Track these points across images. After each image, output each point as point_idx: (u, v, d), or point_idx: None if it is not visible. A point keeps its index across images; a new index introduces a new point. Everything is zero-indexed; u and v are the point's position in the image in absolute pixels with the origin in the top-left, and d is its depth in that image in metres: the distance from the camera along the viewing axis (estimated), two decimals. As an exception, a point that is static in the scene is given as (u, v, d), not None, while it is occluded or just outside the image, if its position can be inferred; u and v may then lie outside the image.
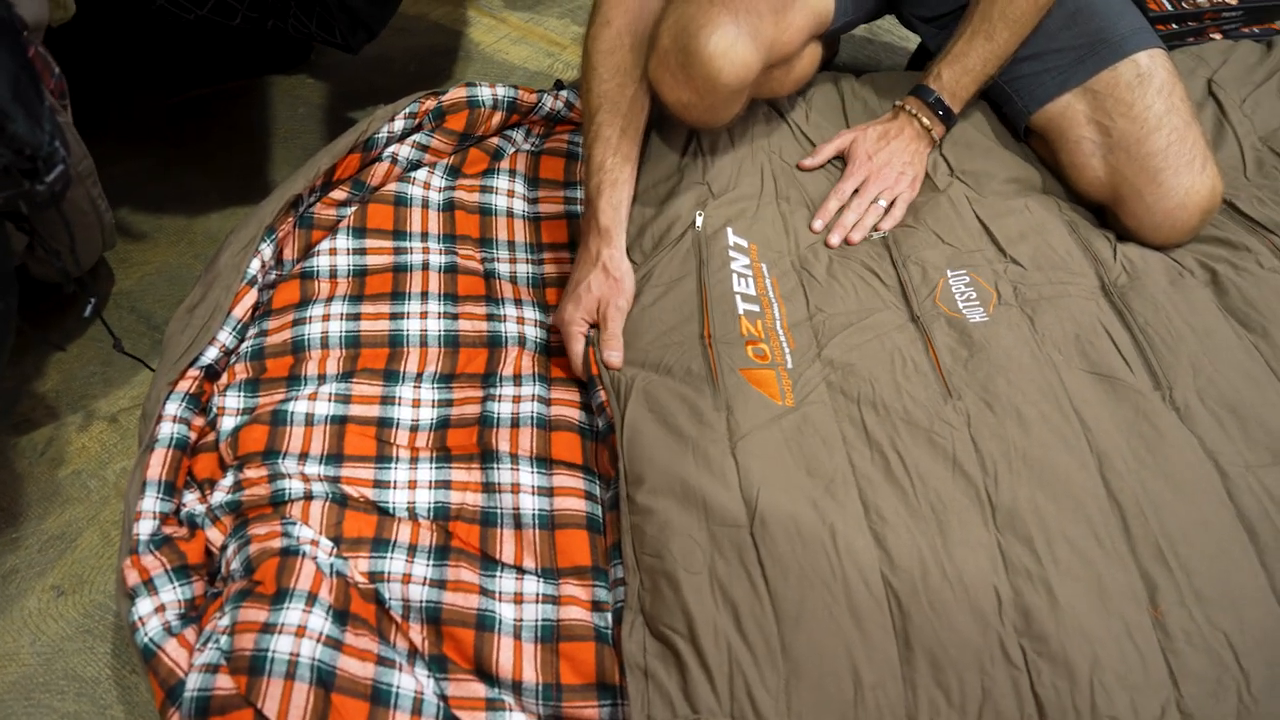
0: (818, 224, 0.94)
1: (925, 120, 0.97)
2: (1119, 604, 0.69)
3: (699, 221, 0.90)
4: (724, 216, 0.91)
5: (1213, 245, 0.94)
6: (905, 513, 0.72)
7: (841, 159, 1.00)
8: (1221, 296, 0.89)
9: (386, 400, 0.80)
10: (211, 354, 0.80)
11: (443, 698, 0.65)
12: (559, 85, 1.07)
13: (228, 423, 0.78)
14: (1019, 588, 0.70)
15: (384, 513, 0.74)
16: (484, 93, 0.98)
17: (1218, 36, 1.41)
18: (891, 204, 0.94)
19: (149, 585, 0.67)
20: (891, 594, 0.69)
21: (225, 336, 0.81)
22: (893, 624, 0.68)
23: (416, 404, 0.81)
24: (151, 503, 0.71)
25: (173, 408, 0.76)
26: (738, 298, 0.85)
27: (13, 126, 0.60)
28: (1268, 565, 0.72)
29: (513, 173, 1.00)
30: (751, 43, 0.82)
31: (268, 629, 0.63)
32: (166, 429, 0.75)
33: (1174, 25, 1.42)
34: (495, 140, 1.02)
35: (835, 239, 0.92)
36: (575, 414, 0.81)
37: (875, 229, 0.94)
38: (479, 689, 0.66)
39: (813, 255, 0.91)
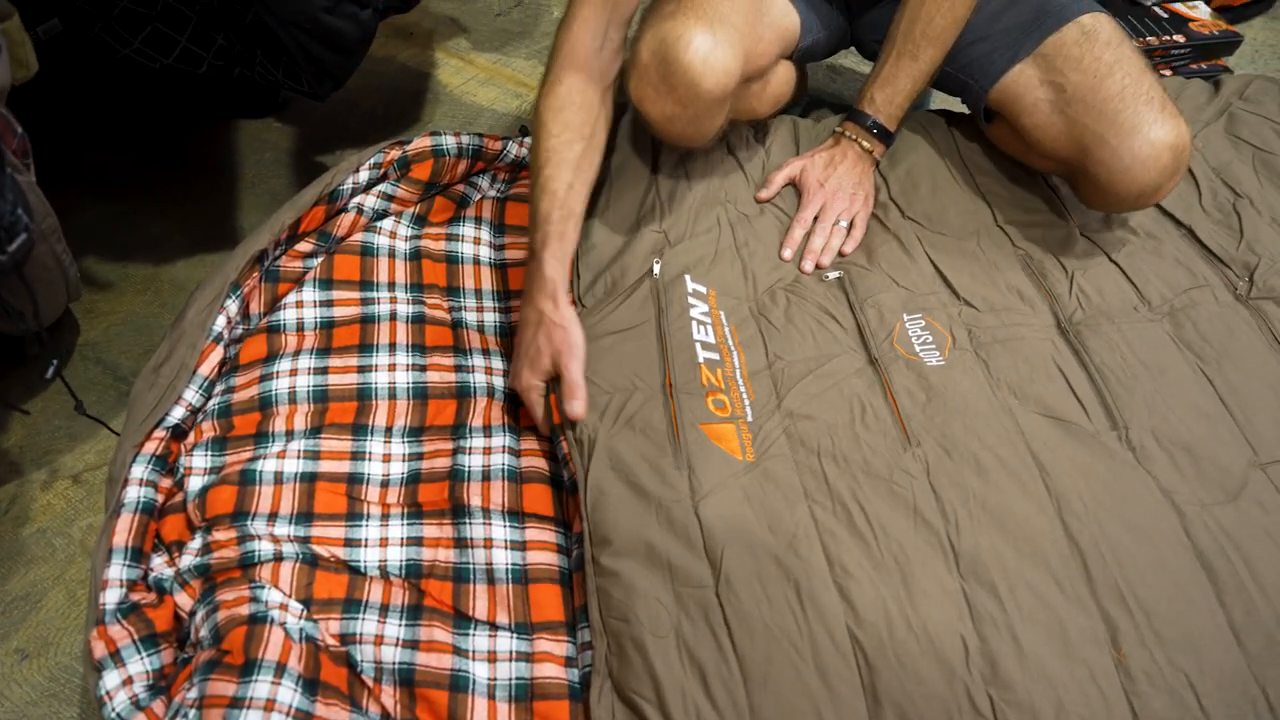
0: (787, 252, 0.97)
1: (865, 144, 1.01)
2: (1081, 648, 0.71)
3: (657, 269, 0.91)
4: (681, 264, 0.92)
5: (1173, 270, 0.97)
6: (869, 565, 0.73)
7: (794, 187, 1.05)
8: (1178, 329, 0.92)
9: (356, 455, 0.80)
10: (178, 413, 0.79)
11: (414, 766, 0.65)
12: (524, 131, 1.08)
13: (195, 483, 0.77)
14: (985, 635, 0.71)
15: (355, 572, 0.73)
16: (449, 141, 0.99)
17: (1168, 73, 1.45)
18: (851, 224, 0.99)
19: (115, 657, 0.66)
20: (858, 649, 0.69)
21: (191, 395, 0.81)
22: (860, 680, 0.68)
23: (387, 458, 0.81)
24: (118, 570, 0.70)
25: (139, 470, 0.75)
26: (698, 345, 0.86)
27: (-25, 199, 0.60)
28: (1225, 603, 0.74)
29: (479, 220, 1.01)
30: (730, 50, 0.83)
31: (236, 703, 0.62)
32: (133, 493, 0.74)
33: (1125, 63, 1.46)
34: (461, 187, 1.02)
35: (808, 265, 0.96)
36: (545, 464, 0.81)
37: (836, 264, 0.97)
38: (452, 754, 0.66)
39: (770, 300, 0.93)
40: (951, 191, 1.04)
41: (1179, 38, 1.47)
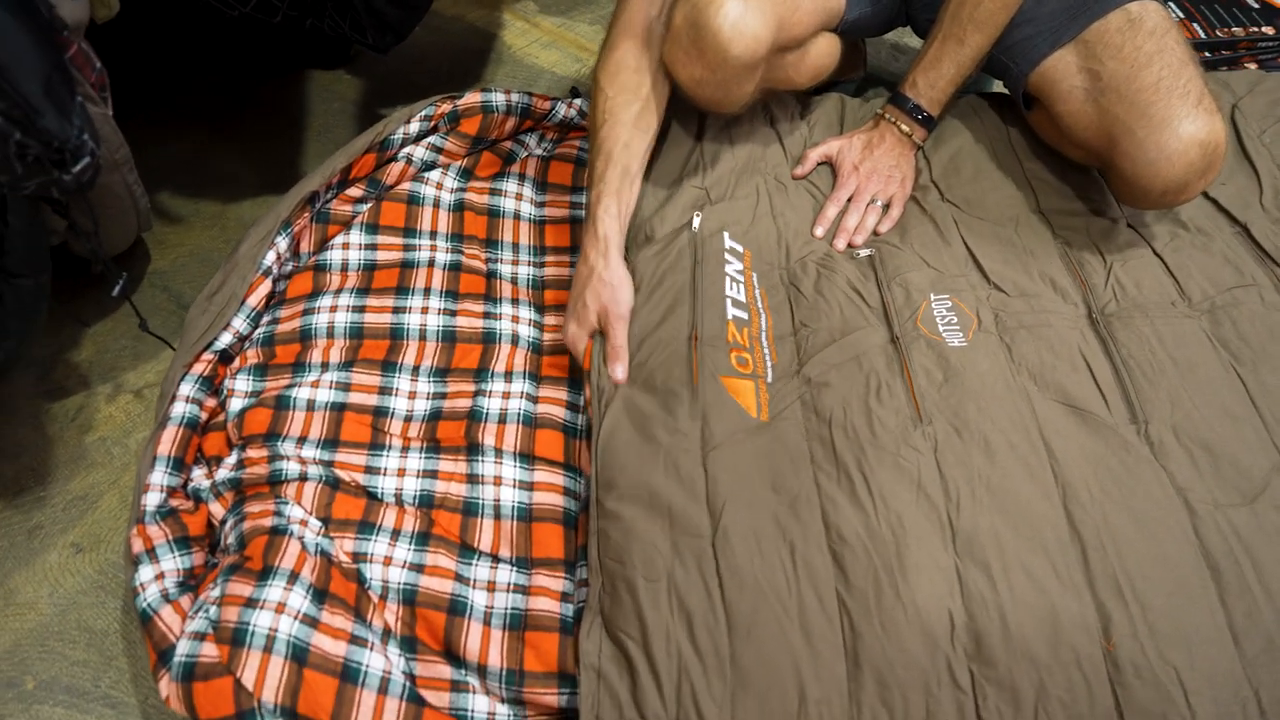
0: (819, 230, 0.97)
1: (904, 127, 1.01)
2: (1071, 634, 0.71)
3: (696, 223, 0.93)
4: (720, 221, 0.94)
5: (1217, 266, 0.94)
6: (865, 534, 0.74)
7: (830, 167, 1.04)
8: (1216, 327, 0.89)
9: (384, 390, 0.85)
10: (226, 339, 0.85)
11: (410, 677, 0.69)
12: (574, 93, 1.10)
13: (236, 404, 0.83)
14: (973, 612, 0.72)
15: (372, 497, 0.78)
16: (498, 98, 1.02)
17: (1253, 66, 1.39)
18: (888, 204, 0.99)
19: (151, 554, 0.72)
20: (845, 613, 0.71)
21: (239, 323, 0.86)
22: (843, 642, 0.70)
23: (412, 395, 0.85)
24: (160, 476, 0.76)
25: (187, 388, 0.81)
26: (728, 301, 0.87)
27: (42, 121, 0.65)
28: (1227, 603, 0.73)
29: (522, 177, 1.04)
30: (760, 17, 0.84)
31: (251, 603, 0.67)
32: (179, 408, 0.80)
33: (1207, 54, 1.40)
34: (508, 144, 1.05)
35: (840, 243, 0.96)
36: (561, 413, 0.84)
37: (867, 242, 0.97)
38: (445, 670, 0.70)
39: (801, 270, 0.93)
40: (994, 176, 1.03)
41: (1268, 29, 1.40)
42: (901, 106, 1.01)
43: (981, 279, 0.93)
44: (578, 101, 1.08)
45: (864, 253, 0.96)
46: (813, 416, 0.82)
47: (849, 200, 0.99)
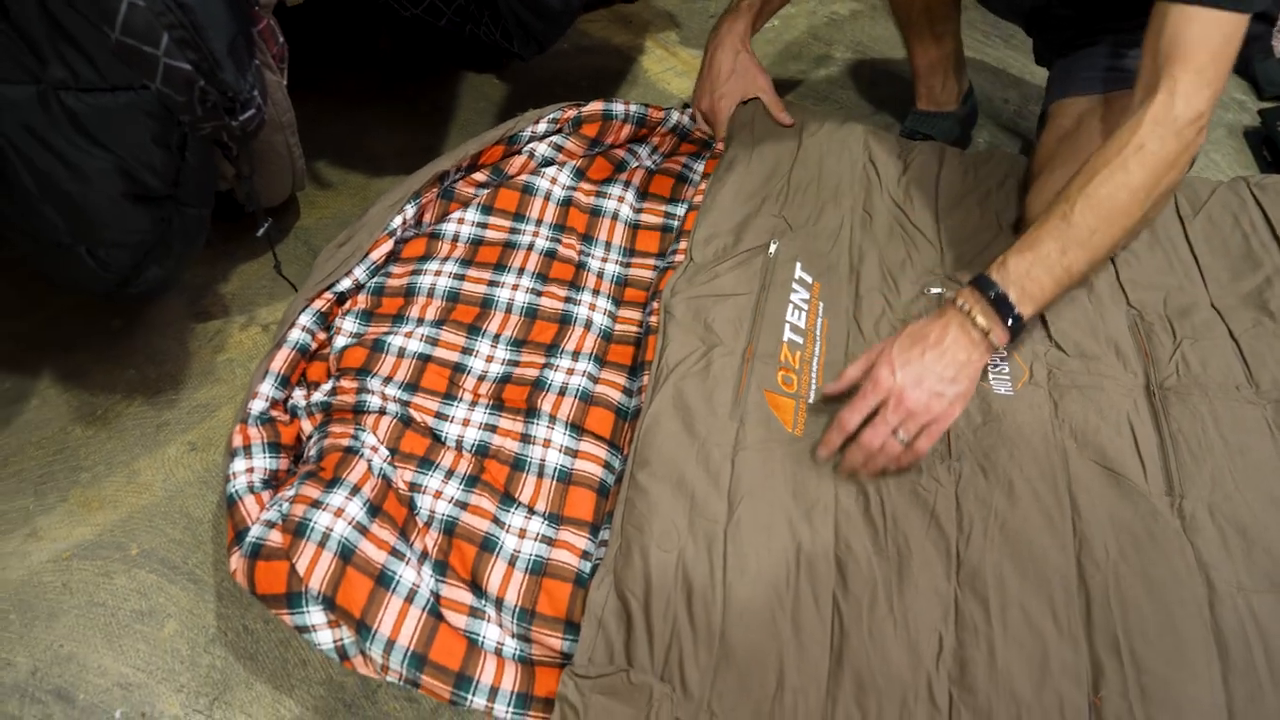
0: (822, 453, 0.81)
1: (981, 320, 0.79)
2: (1058, 680, 0.72)
3: (773, 249, 0.99)
4: (796, 250, 1.00)
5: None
6: (871, 548, 0.78)
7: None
8: (1279, 417, 0.88)
9: (466, 350, 0.95)
10: (346, 284, 0.97)
11: (436, 596, 0.78)
12: (685, 105, 1.19)
13: (340, 341, 0.95)
14: (963, 640, 0.74)
15: (437, 439, 0.88)
16: (618, 107, 1.12)
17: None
18: (918, 435, 0.78)
19: (247, 450, 0.84)
20: (837, 614, 0.75)
21: (360, 272, 0.99)
22: (831, 641, 0.74)
23: (489, 359, 0.95)
24: (268, 387, 0.88)
25: (305, 319, 0.94)
26: (787, 326, 0.93)
27: (222, 74, 0.79)
28: (1230, 683, 0.72)
29: (627, 184, 1.13)
30: None
31: (316, 504, 0.78)
32: (295, 334, 0.92)
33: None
34: (621, 152, 1.15)
35: (843, 474, 0.81)
36: (616, 395, 0.92)
37: (938, 282, 0.98)
38: (467, 596, 0.78)
39: (868, 308, 0.98)
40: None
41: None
42: (983, 291, 0.80)
43: (1044, 335, 0.94)
44: (689, 110, 1.17)
45: (935, 290, 0.99)
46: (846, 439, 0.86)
47: (873, 413, 0.78)
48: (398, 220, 1.02)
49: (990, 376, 0.90)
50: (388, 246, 1.02)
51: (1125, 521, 0.80)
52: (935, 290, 0.98)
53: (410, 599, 0.75)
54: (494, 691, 0.73)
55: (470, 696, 0.73)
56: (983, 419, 0.87)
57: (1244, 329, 0.96)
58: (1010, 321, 0.79)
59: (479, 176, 1.10)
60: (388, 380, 0.91)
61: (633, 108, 1.12)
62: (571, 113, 1.11)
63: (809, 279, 0.98)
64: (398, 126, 1.46)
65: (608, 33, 1.64)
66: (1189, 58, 0.80)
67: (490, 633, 0.77)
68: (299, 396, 0.92)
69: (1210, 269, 1.02)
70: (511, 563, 0.80)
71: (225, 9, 0.78)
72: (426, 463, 0.86)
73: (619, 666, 0.71)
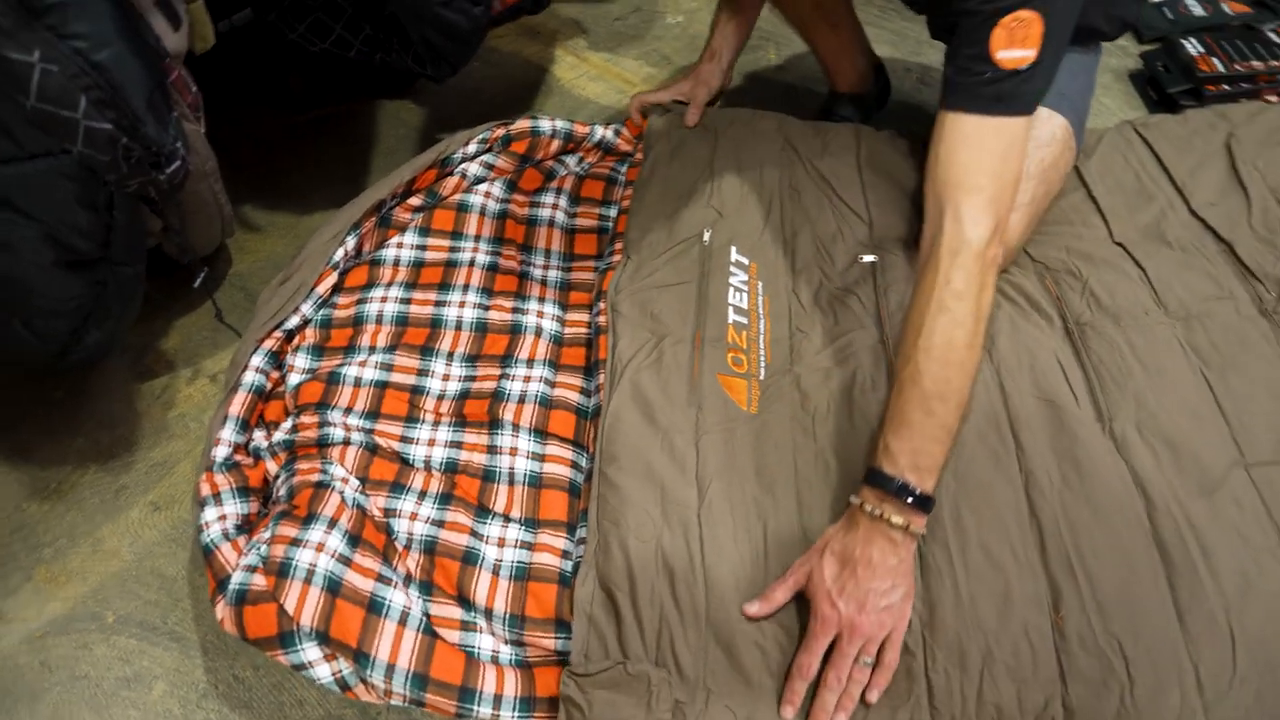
0: (788, 712, 0.74)
1: (896, 518, 0.74)
2: (1021, 607, 0.77)
3: (707, 236, 1.03)
4: (730, 235, 1.04)
5: (1198, 279, 1.00)
6: (833, 512, 0.82)
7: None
8: (1189, 334, 0.95)
9: (421, 372, 0.97)
10: (294, 321, 0.98)
11: (426, 615, 0.79)
12: (609, 124, 1.22)
13: (294, 378, 0.95)
14: (929, 584, 0.78)
15: (405, 462, 0.89)
16: (544, 124, 1.15)
17: (1273, 98, 1.43)
18: (881, 649, 0.74)
19: (217, 498, 0.84)
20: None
21: (306, 308, 0.99)
22: (799, 612, 0.77)
23: (446, 378, 0.96)
24: (229, 433, 0.89)
25: (257, 360, 0.94)
26: (730, 309, 0.97)
27: (144, 129, 0.79)
28: (1174, 584, 0.78)
29: (559, 191, 1.16)
30: None
31: (296, 542, 0.79)
32: (249, 376, 0.93)
33: (1226, 86, 1.45)
34: (550, 163, 1.18)
35: None
36: (574, 397, 0.94)
37: (869, 250, 1.02)
38: (457, 612, 0.80)
39: (806, 282, 1.02)
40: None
41: (1289, 64, 1.44)
42: (884, 488, 0.75)
43: None
44: (613, 125, 1.20)
45: (868, 258, 1.03)
46: (799, 410, 0.90)
47: (831, 651, 0.74)
48: (340, 253, 1.03)
49: None
50: (332, 279, 1.03)
51: (1065, 450, 0.86)
52: (868, 259, 1.03)
53: (403, 622, 0.77)
54: (498, 699, 0.75)
55: (475, 708, 0.75)
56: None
57: (1147, 258, 1.03)
58: (919, 503, 0.75)
59: (414, 201, 1.11)
60: (348, 411, 0.92)
61: (559, 124, 1.15)
62: (500, 131, 1.13)
63: (745, 261, 1.02)
64: (319, 162, 1.46)
65: (516, 46, 1.66)
66: (965, 181, 0.79)
67: (485, 643, 0.79)
68: (260, 438, 0.92)
69: (1110, 208, 1.09)
70: (495, 572, 0.82)
71: (139, 64, 0.79)
72: (398, 487, 0.87)
73: (615, 659, 0.74)
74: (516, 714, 0.76)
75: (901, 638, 0.74)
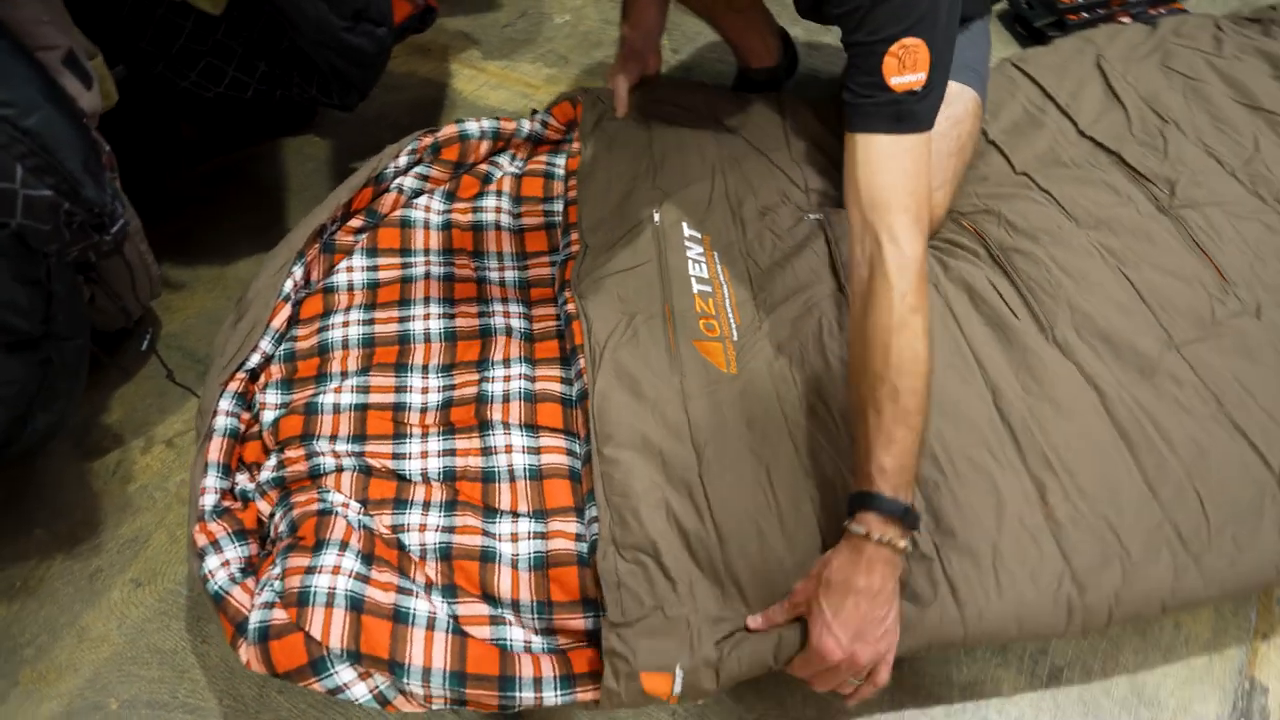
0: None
1: (901, 542, 0.74)
2: (1014, 505, 0.83)
3: (657, 217, 1.06)
4: (678, 213, 1.07)
5: (1098, 190, 1.09)
6: (831, 449, 0.87)
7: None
8: (1101, 239, 1.04)
9: (399, 389, 0.96)
10: (255, 359, 0.96)
11: (454, 616, 0.80)
12: (534, 112, 1.24)
13: (268, 415, 0.94)
14: (929, 496, 0.84)
15: (402, 478, 0.89)
16: (471, 126, 1.16)
17: (1127, 20, 1.56)
18: (872, 671, 0.76)
19: (215, 545, 0.82)
20: (819, 515, 0.83)
21: (266, 344, 0.98)
22: (821, 543, 0.82)
23: (425, 390, 0.97)
24: (213, 480, 0.87)
25: (225, 404, 0.92)
26: (693, 280, 1.00)
27: (85, 191, 0.77)
28: (1140, 461, 0.86)
29: (499, 193, 1.17)
30: None
31: (310, 570, 0.78)
32: (221, 421, 0.91)
33: (1085, 14, 1.57)
34: (484, 166, 1.19)
35: None
36: (556, 387, 0.96)
37: (814, 208, 1.08)
38: (484, 608, 0.81)
39: (758, 244, 1.06)
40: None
41: (1137, -15, 1.57)
42: (888, 513, 0.74)
43: None
44: (538, 116, 1.22)
45: (814, 216, 1.09)
46: (776, 362, 0.94)
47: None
48: (289, 284, 1.02)
49: None
50: (286, 312, 1.01)
51: (1020, 362, 0.93)
52: (814, 217, 1.08)
53: (431, 626, 0.77)
54: (537, 682, 0.76)
55: (518, 694, 0.75)
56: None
57: (1049, 182, 1.12)
58: (912, 519, 0.76)
59: (355, 223, 1.11)
60: (333, 438, 0.91)
61: (485, 124, 1.16)
62: (429, 140, 1.14)
63: (698, 234, 1.05)
64: (231, 210, 1.43)
65: (410, 66, 1.66)
66: (892, 203, 0.82)
67: (515, 635, 0.80)
68: (244, 481, 0.91)
69: (1007, 144, 1.18)
70: (514, 565, 0.83)
71: (69, 126, 0.76)
72: (401, 503, 0.87)
73: (652, 607, 0.76)
74: (559, 693, 0.76)
75: (892, 658, 0.75)
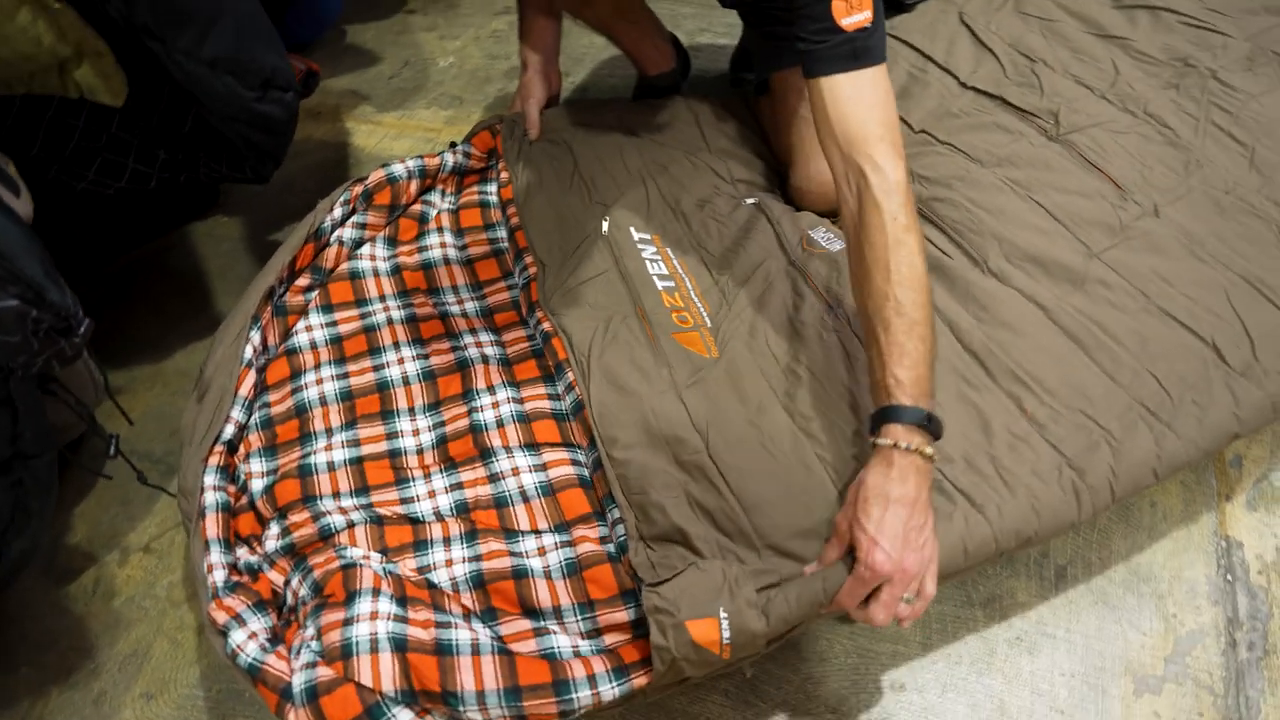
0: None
1: (929, 449, 0.76)
2: (998, 419, 0.90)
3: (605, 227, 1.10)
4: (623, 219, 1.11)
5: (992, 133, 1.19)
6: (819, 404, 0.91)
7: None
8: (1006, 173, 1.13)
9: (391, 435, 0.96)
10: (230, 430, 0.94)
11: (497, 638, 0.80)
12: (453, 144, 1.25)
13: (257, 484, 0.92)
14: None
15: (416, 521, 0.89)
16: (398, 168, 1.17)
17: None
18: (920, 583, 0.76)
19: (238, 619, 0.80)
20: (828, 468, 0.87)
21: (237, 413, 0.95)
22: (834, 489, 0.86)
23: (416, 432, 0.96)
24: (218, 556, 0.84)
25: (210, 479, 0.89)
26: (655, 278, 1.04)
27: (50, 296, 0.75)
28: (1095, 358, 0.94)
29: (440, 229, 1.18)
30: None
31: (348, 622, 0.76)
32: (211, 497, 0.88)
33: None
34: (418, 207, 1.20)
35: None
36: (546, 404, 0.97)
37: (748, 194, 1.14)
38: (526, 623, 0.81)
39: (705, 232, 1.11)
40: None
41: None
42: (910, 421, 0.77)
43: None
44: (459, 147, 1.23)
45: (750, 201, 1.14)
46: (751, 339, 0.98)
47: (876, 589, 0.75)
48: (249, 350, 1.00)
49: (823, 244, 1.08)
50: (252, 378, 0.99)
51: (965, 296, 1.01)
52: (749, 201, 1.14)
53: (476, 651, 0.77)
54: (592, 679, 0.76)
55: (575, 696, 0.75)
56: (836, 274, 1.04)
57: (947, 134, 1.22)
58: (937, 428, 0.78)
59: (302, 282, 1.10)
60: (336, 495, 0.90)
61: (410, 163, 1.17)
62: (359, 188, 1.14)
63: (647, 235, 1.09)
64: (154, 303, 1.38)
65: (306, 131, 1.64)
66: (869, 135, 0.85)
67: (562, 642, 0.80)
68: (244, 554, 0.88)
69: (902, 108, 1.25)
70: (548, 576, 0.84)
71: (21, 233, 0.75)
72: (420, 545, 0.87)
73: (688, 563, 0.79)
74: (615, 684, 0.77)
75: (937, 569, 0.76)
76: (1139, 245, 1.04)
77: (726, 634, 0.75)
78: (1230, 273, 1.00)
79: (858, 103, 0.88)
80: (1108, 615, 0.95)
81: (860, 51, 0.89)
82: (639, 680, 0.77)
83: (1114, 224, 1.06)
